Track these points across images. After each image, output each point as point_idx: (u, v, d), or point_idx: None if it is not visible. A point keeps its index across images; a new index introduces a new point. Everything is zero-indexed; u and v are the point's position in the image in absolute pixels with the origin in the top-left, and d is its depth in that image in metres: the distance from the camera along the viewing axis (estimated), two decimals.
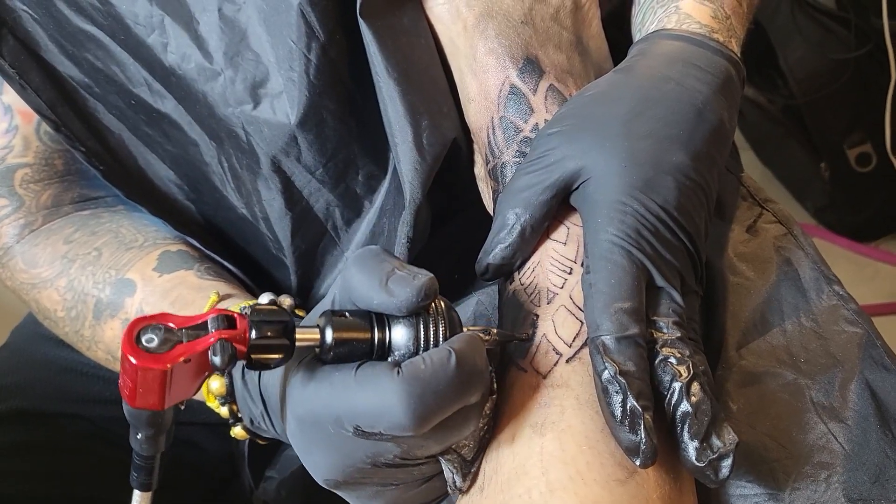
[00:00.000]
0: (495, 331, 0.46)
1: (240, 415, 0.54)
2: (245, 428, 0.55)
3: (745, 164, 0.68)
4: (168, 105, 0.61)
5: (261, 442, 0.58)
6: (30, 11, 0.61)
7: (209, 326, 0.41)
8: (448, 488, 0.46)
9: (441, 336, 0.42)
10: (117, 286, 0.63)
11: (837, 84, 1.59)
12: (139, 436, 0.42)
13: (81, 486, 0.70)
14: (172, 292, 0.61)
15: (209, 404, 0.55)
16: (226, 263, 0.66)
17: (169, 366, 0.39)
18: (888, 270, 1.66)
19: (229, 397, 0.53)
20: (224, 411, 0.54)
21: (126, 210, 0.69)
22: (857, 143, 1.63)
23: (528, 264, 0.51)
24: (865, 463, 0.47)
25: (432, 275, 0.42)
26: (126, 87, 0.62)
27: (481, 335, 0.44)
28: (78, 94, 0.64)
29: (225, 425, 0.56)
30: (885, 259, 1.68)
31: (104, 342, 0.64)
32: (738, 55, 0.55)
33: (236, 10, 0.57)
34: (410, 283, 0.42)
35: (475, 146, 0.58)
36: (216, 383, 0.53)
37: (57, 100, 0.63)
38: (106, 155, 0.65)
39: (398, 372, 0.40)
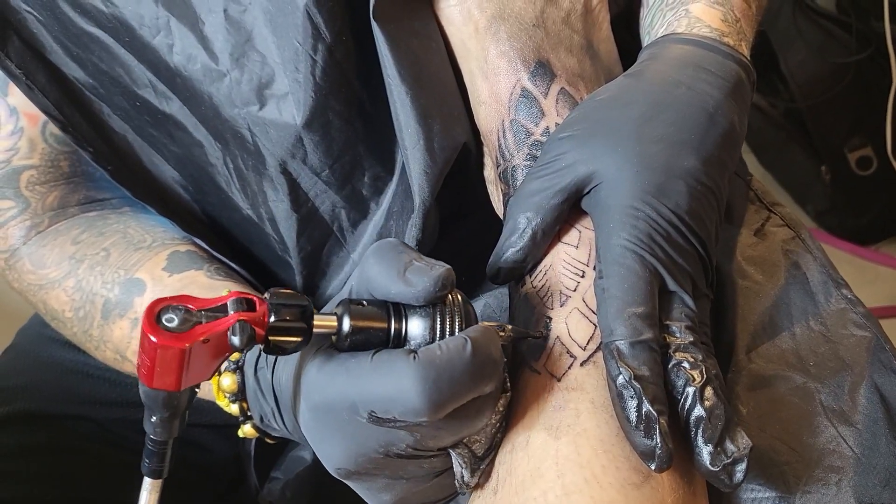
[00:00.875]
0: (510, 327, 0.46)
1: (249, 413, 0.54)
2: (255, 426, 0.55)
3: None
4: (173, 106, 0.61)
5: (269, 441, 0.58)
6: (34, 13, 0.60)
7: (229, 308, 0.41)
8: (456, 482, 0.46)
9: (457, 327, 0.43)
10: (126, 286, 0.63)
11: (838, 88, 1.59)
12: (154, 418, 0.42)
13: (86, 488, 0.69)
14: (183, 292, 0.61)
15: (219, 402, 0.54)
16: (231, 264, 0.66)
17: (187, 345, 0.39)
18: (889, 274, 1.66)
19: (240, 394, 0.53)
20: (234, 409, 0.54)
21: (132, 211, 0.69)
22: (858, 146, 1.63)
23: (540, 267, 0.51)
24: (875, 467, 0.47)
25: (450, 266, 0.43)
26: (131, 89, 0.61)
27: (496, 330, 0.44)
28: (83, 95, 0.64)
29: (231, 427, 0.56)
30: (886, 262, 1.68)
31: (113, 342, 0.63)
32: (748, 58, 0.54)
33: (242, 10, 0.57)
34: (428, 273, 0.42)
35: (485, 149, 0.58)
36: (228, 380, 0.53)
37: (63, 100, 0.63)
38: (112, 156, 0.65)
39: (414, 357, 0.40)
